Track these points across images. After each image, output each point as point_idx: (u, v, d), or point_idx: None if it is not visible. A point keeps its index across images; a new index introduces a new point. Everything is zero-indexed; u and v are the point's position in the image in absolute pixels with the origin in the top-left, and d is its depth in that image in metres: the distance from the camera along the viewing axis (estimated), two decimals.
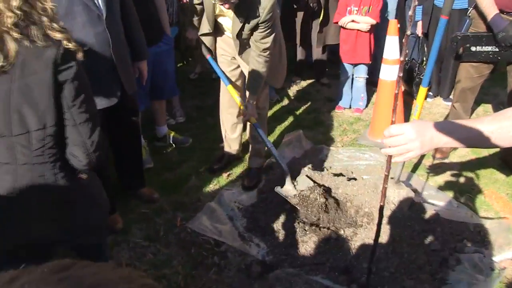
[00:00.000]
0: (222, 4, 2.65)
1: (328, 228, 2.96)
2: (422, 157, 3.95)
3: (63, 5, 2.40)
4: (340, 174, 3.52)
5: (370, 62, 4.78)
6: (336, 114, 4.79)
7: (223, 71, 3.37)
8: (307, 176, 3.25)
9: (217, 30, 3.18)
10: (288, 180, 3.15)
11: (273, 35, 2.88)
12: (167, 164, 3.80)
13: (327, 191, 3.20)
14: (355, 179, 3.43)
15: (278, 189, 3.14)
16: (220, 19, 3.06)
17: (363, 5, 4.45)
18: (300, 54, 5.37)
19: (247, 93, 3.24)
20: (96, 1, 2.51)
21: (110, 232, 3.07)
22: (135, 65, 3.03)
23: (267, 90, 3.46)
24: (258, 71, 3.02)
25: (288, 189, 3.14)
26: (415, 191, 3.34)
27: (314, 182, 3.22)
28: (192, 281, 2.71)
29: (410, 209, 3.10)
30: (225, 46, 3.27)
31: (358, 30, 4.52)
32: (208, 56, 3.35)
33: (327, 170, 3.63)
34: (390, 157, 1.54)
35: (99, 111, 2.79)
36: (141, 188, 3.41)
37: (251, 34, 2.91)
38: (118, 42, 2.69)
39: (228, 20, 2.97)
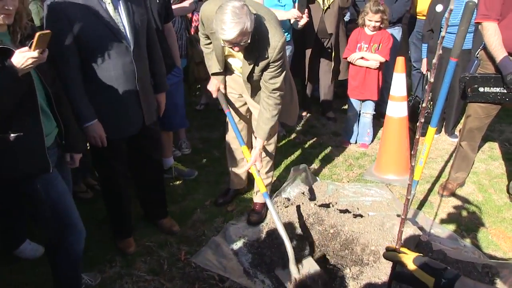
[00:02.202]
0: (231, 47, 2.69)
1: (334, 266, 2.92)
2: (428, 194, 3.94)
3: (95, 37, 2.53)
4: (346, 210, 3.50)
5: (377, 99, 4.80)
6: (342, 149, 4.79)
7: (239, 132, 3.29)
8: (313, 258, 2.95)
9: (227, 69, 3.22)
10: (292, 262, 2.83)
11: (283, 74, 2.91)
12: (172, 197, 3.79)
13: (333, 227, 3.18)
14: (361, 215, 3.41)
15: (278, 271, 2.94)
16: (229, 60, 3.09)
17: (373, 42, 4.51)
18: (307, 89, 5.41)
19: (253, 138, 3.26)
20: (124, 34, 2.62)
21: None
22: (155, 97, 3.11)
23: (278, 127, 3.46)
24: (267, 114, 3.02)
25: (290, 271, 2.84)
26: (421, 229, 3.31)
27: (320, 265, 2.91)
28: None
29: (417, 247, 3.06)
30: (234, 85, 3.29)
31: (367, 67, 4.57)
32: (227, 111, 3.30)
33: (332, 206, 3.61)
34: (407, 200, 1.54)
35: (123, 140, 2.90)
36: (163, 218, 3.43)
37: (261, 75, 2.93)
38: (143, 74, 2.81)
39: (238, 61, 3.00)
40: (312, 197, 3.71)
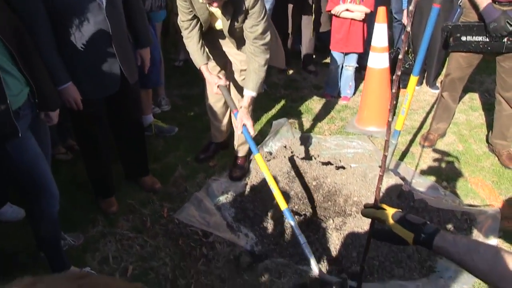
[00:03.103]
0: (209, 3, 2.59)
1: (317, 218, 2.94)
2: (410, 145, 3.96)
3: None
4: (328, 163, 3.51)
5: (362, 51, 4.72)
6: (323, 102, 4.76)
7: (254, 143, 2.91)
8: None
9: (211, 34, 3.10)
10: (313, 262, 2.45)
11: (264, 21, 2.82)
12: (153, 154, 3.73)
13: (315, 179, 3.18)
14: (343, 167, 3.42)
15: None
16: (215, 25, 2.98)
17: None
18: (288, 42, 5.32)
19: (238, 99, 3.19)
20: None
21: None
22: (137, 52, 3.02)
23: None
24: (255, 64, 2.91)
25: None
26: (403, 179, 3.35)
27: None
28: (181, 272, 2.68)
29: (399, 197, 3.10)
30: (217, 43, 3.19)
31: (352, 19, 4.45)
32: (235, 112, 2.95)
33: (315, 158, 3.61)
34: (385, 157, 1.50)
35: (100, 100, 2.80)
36: (145, 176, 3.39)
37: (242, 27, 2.84)
38: (119, 31, 2.69)
39: (220, 22, 2.91)
40: (294, 150, 3.69)
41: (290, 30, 5.16)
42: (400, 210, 1.39)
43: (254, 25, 2.79)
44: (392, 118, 1.41)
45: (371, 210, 1.42)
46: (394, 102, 1.39)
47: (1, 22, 2.03)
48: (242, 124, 2.83)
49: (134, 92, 3.03)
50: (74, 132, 3.21)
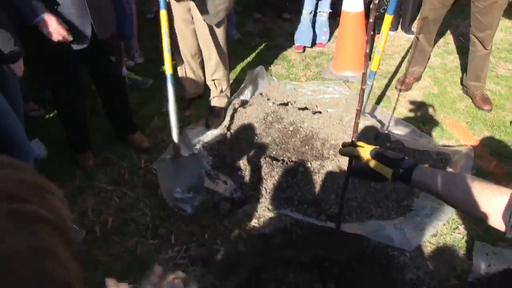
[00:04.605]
0: None
1: (295, 162, 2.95)
2: (386, 89, 3.96)
3: None
4: (305, 108, 3.50)
5: None
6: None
7: None
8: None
9: None
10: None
11: None
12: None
13: (292, 124, 3.17)
14: (320, 112, 3.41)
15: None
16: None
17: None
18: None
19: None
20: None
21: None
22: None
23: (225, 24, 3.27)
24: None
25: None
26: (380, 122, 3.36)
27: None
28: (161, 222, 2.68)
29: (376, 139, 3.12)
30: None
31: None
32: None
33: (291, 104, 3.59)
34: (362, 90, 1.48)
35: (71, 52, 2.65)
36: (132, 133, 3.30)
37: None
38: None
39: None
40: (270, 97, 3.67)
41: None
42: (378, 146, 1.38)
43: None
44: (370, 57, 1.39)
45: (349, 148, 1.41)
46: (370, 44, 1.36)
47: None
48: None
49: (111, 46, 2.91)
50: (47, 85, 3.10)
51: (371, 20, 1.34)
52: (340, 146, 1.45)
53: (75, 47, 2.65)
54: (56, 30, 2.42)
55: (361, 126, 3.14)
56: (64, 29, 2.45)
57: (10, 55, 2.24)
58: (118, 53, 3.03)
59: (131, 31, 3.90)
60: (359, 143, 1.41)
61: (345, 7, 4.01)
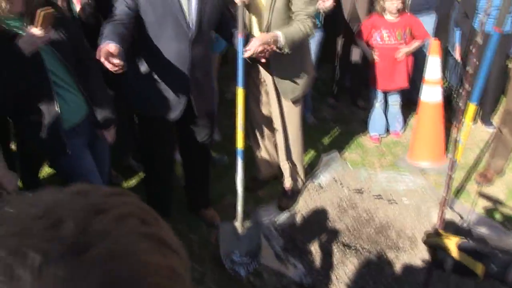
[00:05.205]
0: None
1: (369, 251, 2.85)
2: (465, 182, 3.81)
3: (158, 12, 2.44)
4: (380, 197, 3.42)
5: (408, 86, 4.58)
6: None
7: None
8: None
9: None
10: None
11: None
12: None
13: (367, 212, 3.10)
14: (395, 202, 3.32)
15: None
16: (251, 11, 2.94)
17: (396, 28, 4.20)
18: (337, 76, 5.31)
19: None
20: (187, 18, 2.50)
21: None
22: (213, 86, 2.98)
23: (301, 106, 3.35)
24: (300, 25, 2.80)
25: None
26: (459, 215, 3.21)
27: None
28: None
29: (457, 234, 2.96)
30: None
31: (392, 50, 4.30)
32: (240, 36, 2.67)
33: (365, 192, 3.53)
34: (449, 177, 1.44)
35: (166, 121, 2.76)
36: (206, 208, 3.35)
37: (286, 2, 2.83)
38: (199, 62, 2.64)
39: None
40: (344, 183, 3.63)
41: (338, 63, 5.15)
42: (466, 239, 1.30)
43: (310, 3, 2.81)
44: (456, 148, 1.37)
45: (434, 238, 1.34)
46: (452, 136, 1.34)
47: (62, 39, 2.13)
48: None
49: (207, 121, 2.99)
50: (140, 151, 3.26)
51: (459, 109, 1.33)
52: (418, 239, 1.38)
53: (171, 116, 2.75)
54: (104, 52, 2.08)
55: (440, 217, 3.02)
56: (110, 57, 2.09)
57: (104, 121, 2.41)
58: (211, 127, 3.12)
59: (215, 107, 4.10)
60: (445, 234, 1.34)
61: (423, 97, 4.01)
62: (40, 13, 1.89)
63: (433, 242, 1.34)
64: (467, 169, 4.02)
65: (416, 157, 4.07)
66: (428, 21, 4.71)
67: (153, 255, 0.44)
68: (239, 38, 2.64)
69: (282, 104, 3.23)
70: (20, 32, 1.97)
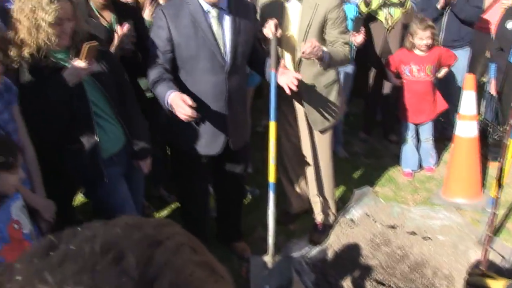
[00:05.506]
0: None
1: None
2: (505, 220, 3.68)
3: (190, 48, 2.50)
4: (414, 233, 3.34)
5: (436, 118, 4.49)
6: None
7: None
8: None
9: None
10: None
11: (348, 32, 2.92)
12: None
13: (401, 249, 3.03)
14: (430, 238, 3.24)
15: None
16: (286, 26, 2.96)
17: (426, 63, 4.15)
18: (369, 110, 5.30)
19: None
20: (222, 51, 2.54)
21: None
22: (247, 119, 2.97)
23: (331, 138, 3.34)
24: (340, 48, 2.87)
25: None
26: (501, 255, 3.09)
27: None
28: None
29: (499, 274, 2.85)
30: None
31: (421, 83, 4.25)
32: (273, 70, 2.69)
33: (399, 228, 3.45)
34: (493, 215, 1.40)
35: (206, 157, 2.77)
36: (237, 241, 3.33)
37: (319, 32, 2.87)
38: (235, 95, 2.67)
39: (294, 21, 2.92)
40: (377, 218, 3.57)
41: (369, 97, 5.14)
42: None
43: (344, 32, 2.88)
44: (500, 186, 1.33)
45: (479, 278, 1.30)
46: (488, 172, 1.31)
47: (103, 71, 2.21)
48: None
49: (243, 155, 3.01)
50: (175, 183, 3.28)
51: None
52: (454, 278, 1.34)
53: (206, 152, 2.76)
54: (183, 107, 2.31)
55: (478, 256, 2.91)
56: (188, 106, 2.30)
57: (141, 152, 2.46)
58: (246, 160, 3.13)
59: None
60: (490, 274, 1.29)
61: (458, 131, 3.94)
62: (86, 46, 1.98)
63: (478, 283, 1.30)
64: (507, 206, 3.89)
65: (451, 193, 3.98)
66: (462, 56, 4.69)
67: (209, 283, 0.45)
68: (272, 72, 2.67)
69: (312, 136, 3.24)
70: (66, 64, 2.07)
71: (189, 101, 2.27)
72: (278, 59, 2.81)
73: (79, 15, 2.21)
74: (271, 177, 2.79)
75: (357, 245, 3.11)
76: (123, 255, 0.43)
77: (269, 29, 2.63)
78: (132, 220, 0.51)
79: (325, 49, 2.77)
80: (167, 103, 2.35)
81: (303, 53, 2.63)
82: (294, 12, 2.90)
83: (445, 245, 3.04)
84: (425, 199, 4.08)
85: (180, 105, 2.27)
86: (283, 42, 2.95)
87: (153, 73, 2.47)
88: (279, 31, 2.66)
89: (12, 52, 2.07)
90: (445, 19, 4.64)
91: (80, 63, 2.01)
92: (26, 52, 2.06)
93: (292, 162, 3.49)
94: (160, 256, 0.44)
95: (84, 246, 0.45)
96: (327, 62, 2.77)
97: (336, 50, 2.86)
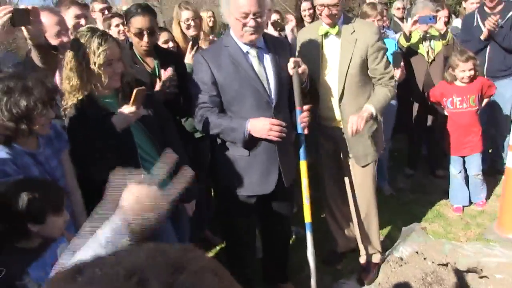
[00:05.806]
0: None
1: None
2: None
3: (234, 88, 2.53)
4: (468, 271, 3.19)
5: (483, 150, 4.35)
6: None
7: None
8: None
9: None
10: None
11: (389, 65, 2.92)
12: None
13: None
14: (487, 277, 3.08)
15: None
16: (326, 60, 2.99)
17: (469, 93, 4.08)
18: (414, 146, 5.20)
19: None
20: (267, 88, 2.57)
21: None
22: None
23: (374, 174, 3.26)
24: (385, 89, 2.90)
25: None
26: None
27: None
28: None
29: None
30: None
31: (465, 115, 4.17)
32: (298, 109, 2.67)
33: (451, 266, 3.31)
34: None
35: (254, 197, 2.74)
36: (283, 283, 3.28)
37: (360, 68, 2.88)
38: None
39: (334, 57, 2.95)
40: (428, 256, 3.43)
41: (414, 132, 5.06)
42: None
43: (387, 66, 2.91)
44: None
45: None
46: None
47: (149, 115, 2.28)
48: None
49: (289, 193, 2.96)
50: (221, 225, 3.26)
51: None
52: None
53: (259, 192, 2.72)
54: (273, 127, 2.50)
55: None
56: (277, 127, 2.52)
57: (186, 194, 2.48)
58: (292, 198, 3.09)
59: None
60: None
61: (510, 163, 3.80)
62: (135, 91, 2.05)
63: None
64: None
65: (506, 228, 3.81)
66: (508, 85, 4.58)
67: None
68: (297, 110, 2.64)
69: (355, 172, 3.20)
70: (114, 109, 2.14)
71: (274, 120, 2.49)
72: (304, 95, 2.77)
73: (124, 60, 2.31)
74: (307, 217, 2.75)
75: (407, 283, 3.00)
76: (147, 280, 0.44)
77: (290, 66, 2.62)
78: (156, 246, 0.52)
79: (373, 110, 2.83)
80: (246, 131, 2.48)
81: (352, 133, 2.75)
82: (334, 48, 2.94)
83: (504, 284, 2.88)
84: (478, 235, 3.92)
85: (266, 126, 2.48)
86: (320, 77, 2.97)
87: (211, 115, 2.52)
88: (302, 67, 2.64)
89: (64, 101, 2.18)
90: (488, 49, 4.57)
91: (130, 108, 2.08)
92: (76, 98, 2.16)
93: (337, 201, 3.44)
94: (183, 281, 0.45)
95: (109, 270, 0.46)
96: (376, 114, 2.87)
97: (382, 97, 2.89)
